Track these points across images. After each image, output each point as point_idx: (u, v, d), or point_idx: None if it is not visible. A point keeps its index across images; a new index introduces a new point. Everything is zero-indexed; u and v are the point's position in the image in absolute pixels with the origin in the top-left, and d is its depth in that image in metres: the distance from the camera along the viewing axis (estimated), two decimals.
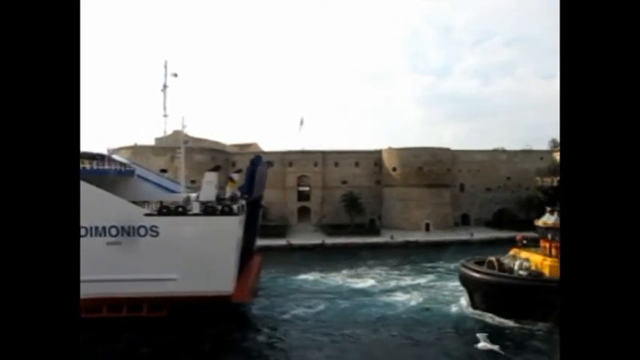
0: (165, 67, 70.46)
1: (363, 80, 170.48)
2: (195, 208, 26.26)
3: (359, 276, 37.78)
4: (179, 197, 28.87)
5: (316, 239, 55.29)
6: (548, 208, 28.33)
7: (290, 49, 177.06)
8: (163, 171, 58.10)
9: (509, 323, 25.05)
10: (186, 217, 25.90)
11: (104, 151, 38.16)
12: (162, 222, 25.55)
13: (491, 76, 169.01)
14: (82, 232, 24.81)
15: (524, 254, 27.98)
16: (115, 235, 25.38)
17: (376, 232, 57.82)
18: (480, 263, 28.33)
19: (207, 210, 26.06)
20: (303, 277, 37.77)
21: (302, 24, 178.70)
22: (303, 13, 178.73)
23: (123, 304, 25.28)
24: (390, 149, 65.35)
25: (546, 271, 25.68)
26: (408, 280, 35.61)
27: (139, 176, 35.89)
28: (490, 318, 25.95)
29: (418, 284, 34.24)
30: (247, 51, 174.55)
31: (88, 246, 23.06)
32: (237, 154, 69.85)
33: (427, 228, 61.06)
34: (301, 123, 72.99)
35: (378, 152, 66.93)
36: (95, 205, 24.75)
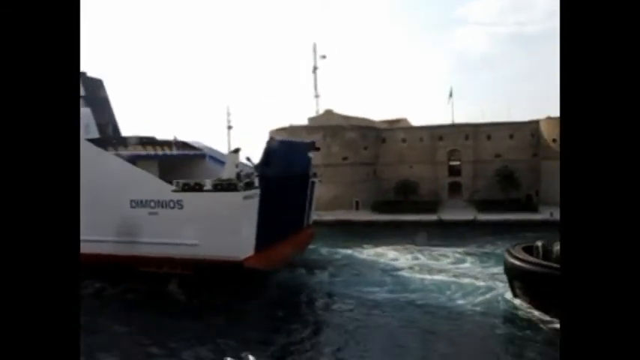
0: (315, 49, 74.22)
1: (517, 42, 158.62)
2: (208, 184, 30.69)
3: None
4: (243, 173, 32.24)
5: (468, 215, 54.21)
6: None
7: (433, 18, 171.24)
8: (316, 149, 61.39)
9: (539, 316, 23.06)
10: (201, 193, 30.57)
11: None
12: (185, 197, 30.64)
13: None
14: (132, 204, 31.53)
15: None
16: (154, 207, 31.14)
17: (533, 209, 54.52)
18: (529, 248, 25.55)
19: (216, 187, 30.37)
20: (421, 255, 37.88)
21: None
22: None
23: (164, 262, 30.92)
24: (549, 119, 60.56)
25: None
26: None
27: (210, 157, 42.06)
28: (518, 307, 24.58)
29: None
30: (390, 27, 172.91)
31: (135, 214, 31.35)
32: (386, 130, 70.65)
33: None
34: (450, 95, 71.18)
35: (535, 122, 62.43)
36: (139, 182, 31.92)
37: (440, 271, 32.44)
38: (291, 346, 22.11)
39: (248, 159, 34.51)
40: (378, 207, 59.51)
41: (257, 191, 30.57)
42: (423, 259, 36.64)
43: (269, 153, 31.51)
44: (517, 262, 24.69)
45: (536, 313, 23.60)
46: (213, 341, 22.50)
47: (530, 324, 22.96)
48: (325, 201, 59.16)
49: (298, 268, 34.83)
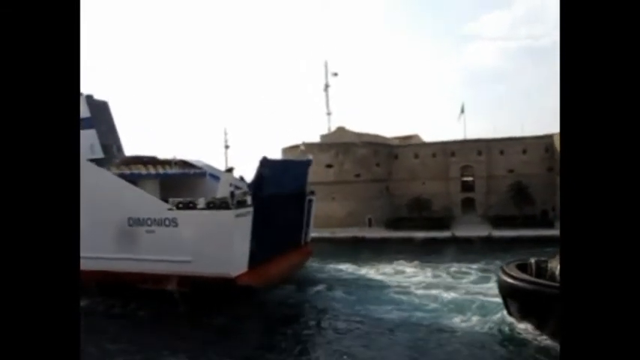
0: (326, 67, 74.75)
1: (529, 55, 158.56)
2: (201, 203, 31.57)
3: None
4: (237, 192, 32.88)
5: (482, 231, 53.73)
6: None
7: (444, 34, 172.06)
8: (329, 166, 61.63)
9: (532, 334, 22.79)
10: (194, 211, 31.43)
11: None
12: (180, 215, 31.48)
13: None
14: (130, 222, 32.54)
15: None
16: (150, 225, 32.03)
17: (549, 224, 53.84)
18: (523, 266, 24.93)
19: (209, 205, 31.24)
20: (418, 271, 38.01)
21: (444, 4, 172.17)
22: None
23: (161, 279, 31.52)
24: None
25: None
26: None
27: (210, 175, 42.82)
28: (509, 326, 24.31)
29: None
30: (401, 44, 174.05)
31: (133, 233, 32.26)
32: (398, 146, 70.66)
33: None
34: (462, 111, 71.09)
35: (549, 137, 61.93)
36: (137, 202, 32.81)
37: (456, 289, 32.03)
38: None
39: (241, 178, 34.98)
40: (392, 224, 59.32)
41: (250, 209, 31.30)
42: (440, 276, 36.30)
43: (262, 172, 32.33)
44: (510, 280, 24.24)
45: (530, 331, 23.22)
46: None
47: (522, 343, 22.70)
48: (338, 218, 59.17)
49: (313, 285, 34.81)
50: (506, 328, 24.31)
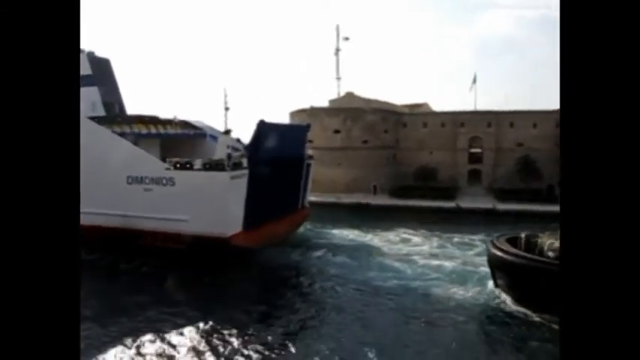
0: (337, 31, 73.44)
1: (544, 26, 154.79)
2: (198, 164, 32.17)
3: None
4: (235, 154, 33.26)
5: (487, 204, 53.66)
6: None
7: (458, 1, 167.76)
8: (336, 132, 61.30)
9: (515, 307, 23.20)
10: (191, 172, 32.06)
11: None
12: (177, 174, 32.17)
13: None
14: (129, 180, 33.13)
15: None
16: (149, 184, 32.62)
17: (555, 200, 53.58)
18: (513, 240, 25.05)
19: (205, 166, 31.78)
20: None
21: None
22: None
23: (158, 236, 32.32)
24: None
25: None
26: None
27: (211, 136, 43.12)
28: (498, 298, 24.62)
29: None
30: (414, 10, 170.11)
31: (132, 190, 33.03)
32: (407, 114, 69.99)
33: None
34: (474, 81, 69.96)
35: None
36: (136, 160, 33.38)
37: (459, 260, 32.16)
38: (281, 323, 22.56)
39: (238, 140, 34.93)
40: (396, 192, 59.30)
41: (245, 171, 31.68)
42: (445, 246, 36.41)
43: (259, 135, 32.46)
44: (498, 253, 24.44)
45: (515, 304, 23.53)
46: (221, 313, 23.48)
47: (509, 315, 23.03)
48: (343, 184, 59.27)
49: (315, 250, 35.14)
50: (495, 301, 24.60)
